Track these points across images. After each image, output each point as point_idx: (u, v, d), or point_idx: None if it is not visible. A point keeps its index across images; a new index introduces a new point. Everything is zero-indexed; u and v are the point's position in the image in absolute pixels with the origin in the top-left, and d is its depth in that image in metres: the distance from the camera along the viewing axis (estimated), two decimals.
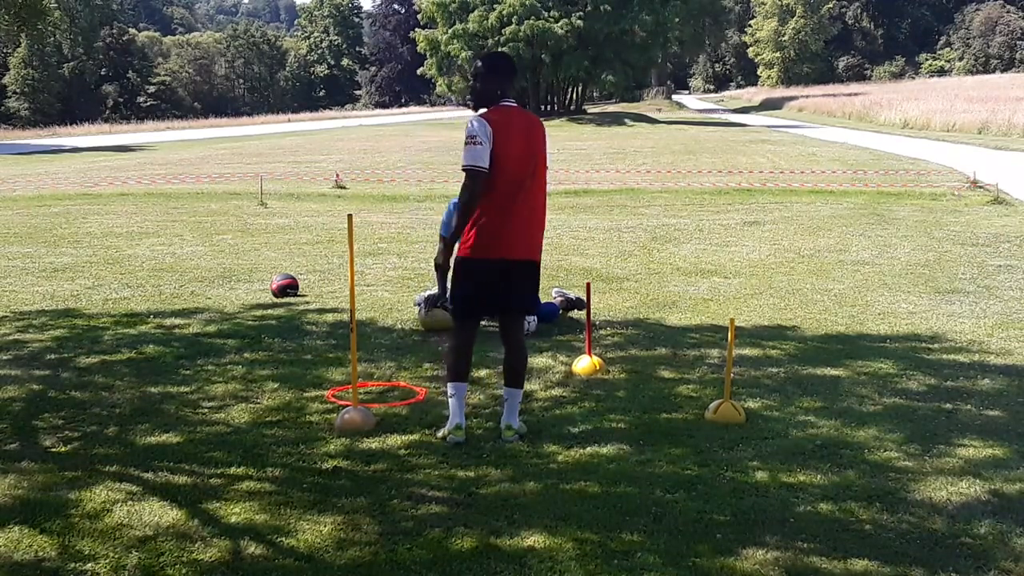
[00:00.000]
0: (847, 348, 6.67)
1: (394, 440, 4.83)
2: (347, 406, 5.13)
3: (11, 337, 7.13)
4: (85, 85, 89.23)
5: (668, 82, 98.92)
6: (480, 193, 4.59)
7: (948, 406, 5.34)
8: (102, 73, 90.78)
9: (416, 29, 62.35)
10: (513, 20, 52.73)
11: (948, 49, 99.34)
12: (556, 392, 5.67)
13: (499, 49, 52.54)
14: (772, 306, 8.03)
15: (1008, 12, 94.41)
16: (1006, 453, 4.63)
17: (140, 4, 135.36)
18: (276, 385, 5.79)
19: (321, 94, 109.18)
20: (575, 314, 7.44)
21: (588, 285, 6.45)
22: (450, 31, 55.81)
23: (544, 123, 5.01)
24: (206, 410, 5.36)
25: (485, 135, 4.55)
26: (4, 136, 51.38)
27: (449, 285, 5.18)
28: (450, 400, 4.86)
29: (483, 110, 4.71)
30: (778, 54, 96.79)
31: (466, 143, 4.61)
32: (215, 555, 3.60)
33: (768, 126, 44.88)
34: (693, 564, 3.51)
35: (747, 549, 3.61)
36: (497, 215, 4.65)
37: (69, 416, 5.23)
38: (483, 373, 5.94)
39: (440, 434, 4.86)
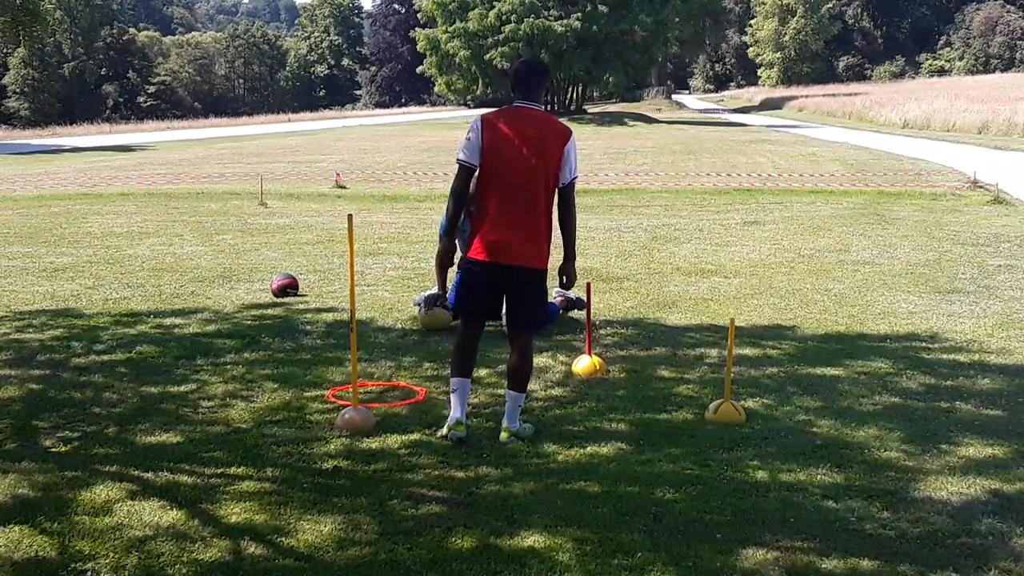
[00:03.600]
0: (847, 348, 6.67)
1: (394, 440, 4.83)
2: (347, 406, 5.13)
3: (11, 337, 7.13)
4: (85, 85, 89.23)
5: (668, 82, 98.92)
6: (463, 187, 4.72)
7: (947, 406, 5.35)
8: (102, 73, 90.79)
9: (416, 28, 62.36)
10: (512, 19, 52.75)
11: (948, 49, 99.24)
12: (556, 392, 5.68)
13: (499, 48, 52.64)
14: (772, 306, 8.03)
15: (1008, 12, 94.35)
16: (1005, 453, 4.63)
17: (140, 4, 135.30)
18: (276, 385, 5.79)
19: (321, 94, 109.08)
20: (575, 314, 7.44)
21: (588, 285, 6.45)
22: (450, 30, 55.82)
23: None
24: (206, 410, 5.36)
25: (475, 131, 4.69)
26: (4, 136, 51.34)
27: (450, 284, 5.19)
28: (451, 395, 4.87)
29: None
30: (778, 54, 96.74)
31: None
32: (215, 555, 3.60)
33: (768, 126, 44.89)
34: (693, 564, 3.51)
35: (747, 549, 3.62)
36: (496, 218, 4.67)
37: (69, 416, 5.23)
38: (482, 373, 5.93)
39: (440, 433, 4.86)
